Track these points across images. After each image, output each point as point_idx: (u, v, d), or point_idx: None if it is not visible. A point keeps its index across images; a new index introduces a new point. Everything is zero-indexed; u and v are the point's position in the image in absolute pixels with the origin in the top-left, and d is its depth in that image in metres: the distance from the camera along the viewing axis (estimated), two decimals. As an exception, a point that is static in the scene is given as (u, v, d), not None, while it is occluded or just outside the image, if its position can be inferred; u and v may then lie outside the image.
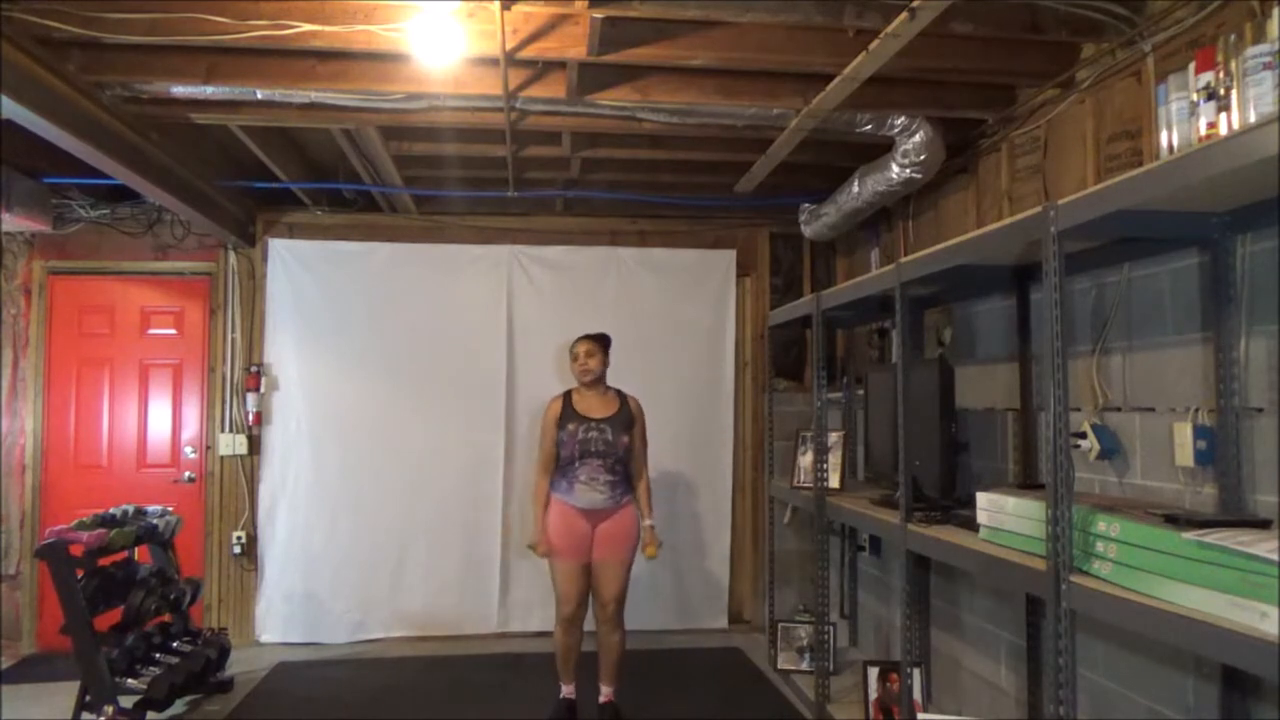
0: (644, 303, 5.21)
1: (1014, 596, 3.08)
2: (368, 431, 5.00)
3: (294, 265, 5.02)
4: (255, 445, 4.98)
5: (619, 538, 3.63)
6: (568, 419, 3.62)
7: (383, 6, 2.75)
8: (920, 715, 2.97)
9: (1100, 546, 1.95)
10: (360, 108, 3.39)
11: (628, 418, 3.68)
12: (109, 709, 3.46)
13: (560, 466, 3.66)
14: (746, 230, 5.37)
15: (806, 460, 4.10)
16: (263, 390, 4.95)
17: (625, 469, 3.68)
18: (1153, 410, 2.44)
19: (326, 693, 4.17)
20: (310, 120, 3.57)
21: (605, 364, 3.72)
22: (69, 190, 4.78)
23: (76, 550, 3.54)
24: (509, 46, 2.84)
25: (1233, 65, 1.80)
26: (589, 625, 3.72)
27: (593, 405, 3.67)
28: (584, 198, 5.05)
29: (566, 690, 3.74)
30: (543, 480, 3.72)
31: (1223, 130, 1.81)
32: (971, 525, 2.54)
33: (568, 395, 3.73)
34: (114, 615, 3.70)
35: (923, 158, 3.54)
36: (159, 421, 5.07)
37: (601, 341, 3.74)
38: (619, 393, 3.76)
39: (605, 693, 3.71)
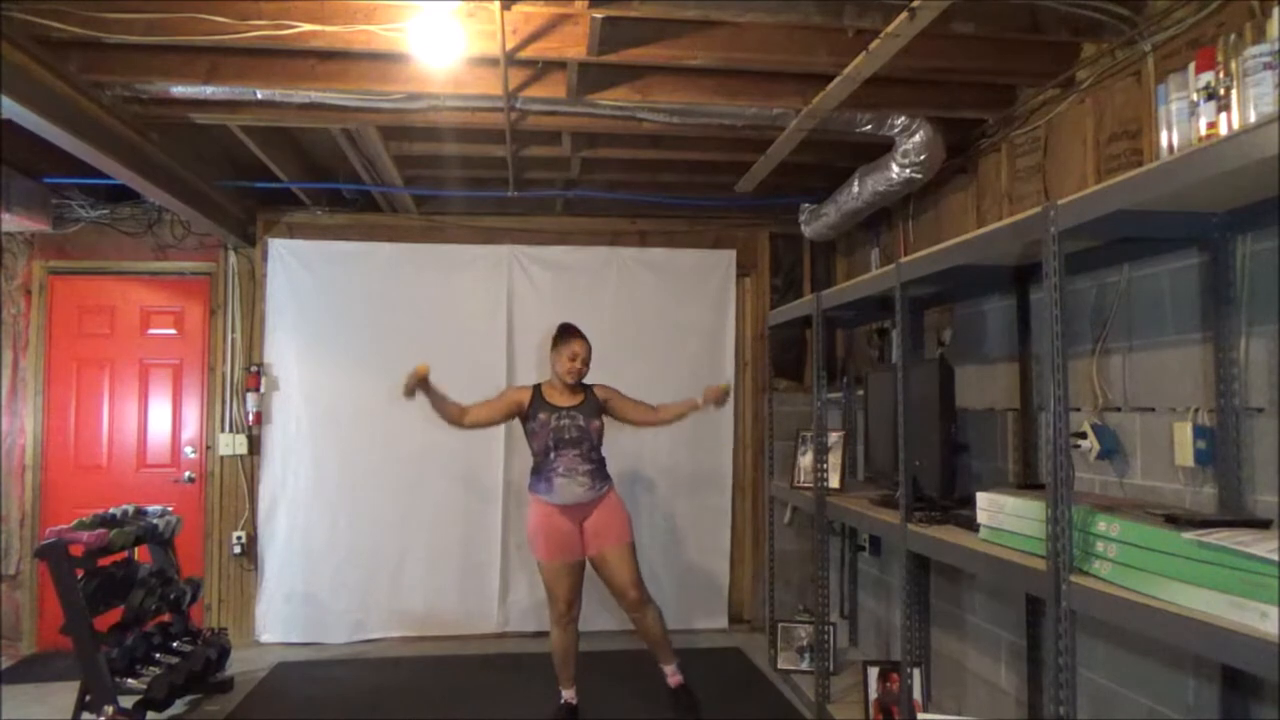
0: (644, 303, 5.21)
1: (1014, 596, 3.07)
2: (368, 431, 5.00)
3: (294, 265, 5.02)
4: (255, 445, 4.98)
5: (609, 525, 3.63)
6: (539, 408, 3.62)
7: (383, 6, 2.75)
8: (920, 715, 2.97)
9: (1100, 546, 1.94)
10: (360, 108, 3.38)
11: (595, 404, 3.68)
12: (109, 709, 3.46)
13: (535, 465, 3.66)
14: (746, 230, 5.37)
15: (806, 460, 4.10)
16: (263, 390, 4.95)
17: (601, 456, 3.69)
18: (1153, 410, 2.44)
19: (326, 693, 4.17)
20: (310, 120, 3.57)
21: None
22: (69, 190, 4.79)
23: (76, 550, 3.54)
24: (509, 46, 2.84)
25: (1233, 65, 1.80)
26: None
27: (562, 397, 3.67)
28: (584, 198, 5.05)
29: (567, 695, 3.72)
30: (459, 410, 3.67)
31: (1223, 130, 1.81)
32: (971, 525, 2.54)
33: (537, 388, 3.72)
34: (114, 615, 3.70)
35: (923, 158, 3.54)
36: (159, 421, 5.07)
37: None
38: (581, 384, 3.75)
39: (669, 673, 3.70)
